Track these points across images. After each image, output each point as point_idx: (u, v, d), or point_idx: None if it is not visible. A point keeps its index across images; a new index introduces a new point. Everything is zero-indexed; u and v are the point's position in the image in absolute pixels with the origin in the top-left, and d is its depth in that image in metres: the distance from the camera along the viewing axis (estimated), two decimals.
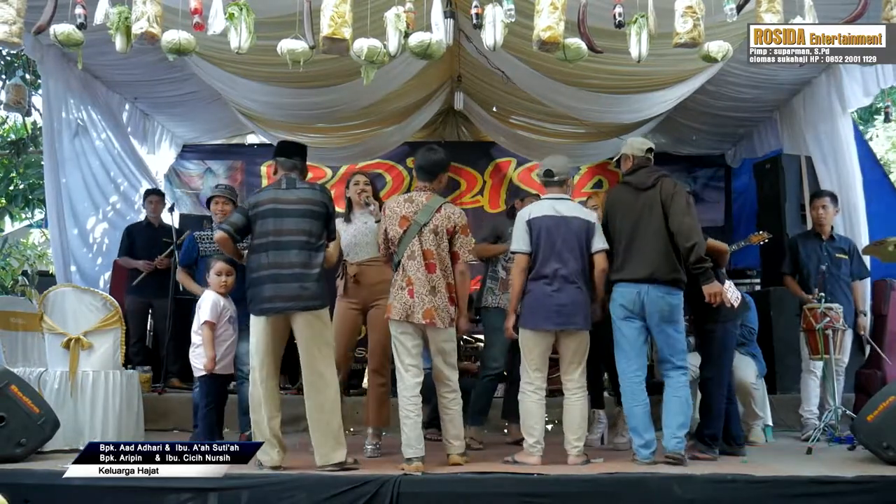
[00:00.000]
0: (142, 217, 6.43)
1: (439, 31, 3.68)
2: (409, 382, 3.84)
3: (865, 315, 5.36)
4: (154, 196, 6.34)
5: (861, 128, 10.82)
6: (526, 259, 3.99)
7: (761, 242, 5.43)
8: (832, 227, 5.33)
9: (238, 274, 4.26)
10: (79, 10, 3.64)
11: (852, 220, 5.72)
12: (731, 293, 4.07)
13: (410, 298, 3.81)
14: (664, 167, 6.50)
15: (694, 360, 4.49)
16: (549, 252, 3.95)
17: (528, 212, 4.09)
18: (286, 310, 3.71)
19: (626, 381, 3.96)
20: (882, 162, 9.91)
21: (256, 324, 3.77)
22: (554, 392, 4.99)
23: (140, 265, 6.00)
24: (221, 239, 3.81)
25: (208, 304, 4.20)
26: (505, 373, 4.97)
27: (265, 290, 3.70)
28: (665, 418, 3.90)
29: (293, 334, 3.81)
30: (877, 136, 11.93)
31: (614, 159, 4.47)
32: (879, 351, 5.29)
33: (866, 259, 5.39)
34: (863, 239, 5.62)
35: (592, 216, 4.11)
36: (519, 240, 4.02)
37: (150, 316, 6.27)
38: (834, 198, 5.38)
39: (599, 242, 4.04)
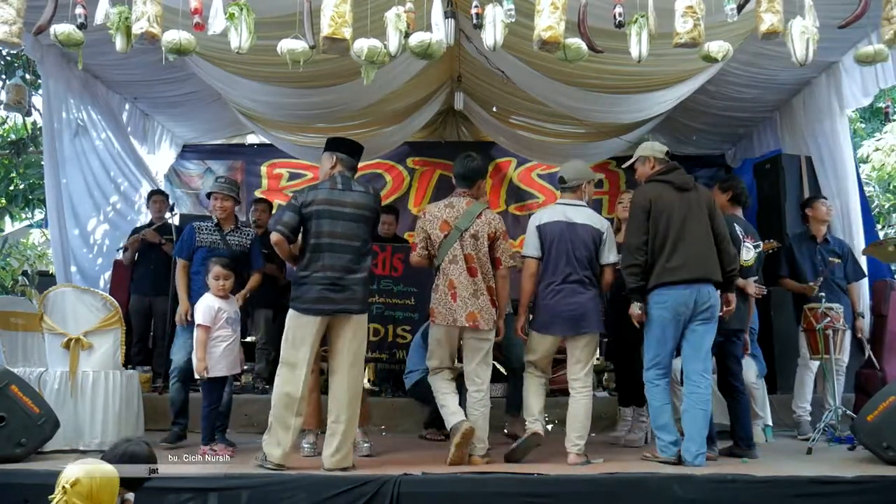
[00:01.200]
0: (142, 219, 6.43)
1: (440, 32, 3.67)
2: (447, 377, 3.99)
3: (863, 317, 5.37)
4: (158, 196, 6.35)
5: (856, 128, 10.68)
6: (536, 264, 4.05)
7: (770, 251, 5.43)
8: (826, 230, 5.34)
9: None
10: (79, 10, 3.62)
11: (850, 220, 5.72)
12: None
13: (454, 302, 3.86)
14: None
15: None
16: (560, 257, 3.98)
17: (538, 217, 4.13)
18: (338, 312, 3.70)
19: (653, 379, 3.94)
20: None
21: (302, 323, 3.69)
22: (555, 392, 4.98)
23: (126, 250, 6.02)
24: (279, 242, 3.71)
25: (201, 307, 4.16)
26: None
27: (318, 290, 3.67)
28: (689, 430, 3.86)
29: None
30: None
31: (627, 163, 4.42)
32: (874, 360, 5.29)
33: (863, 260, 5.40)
34: (859, 238, 5.63)
35: (605, 225, 4.09)
36: (529, 245, 4.08)
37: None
38: None
39: (610, 255, 4.02)
